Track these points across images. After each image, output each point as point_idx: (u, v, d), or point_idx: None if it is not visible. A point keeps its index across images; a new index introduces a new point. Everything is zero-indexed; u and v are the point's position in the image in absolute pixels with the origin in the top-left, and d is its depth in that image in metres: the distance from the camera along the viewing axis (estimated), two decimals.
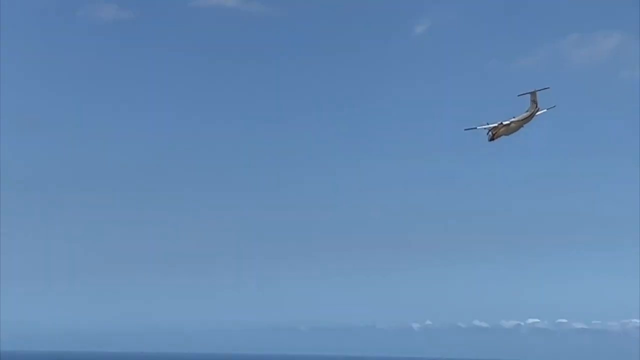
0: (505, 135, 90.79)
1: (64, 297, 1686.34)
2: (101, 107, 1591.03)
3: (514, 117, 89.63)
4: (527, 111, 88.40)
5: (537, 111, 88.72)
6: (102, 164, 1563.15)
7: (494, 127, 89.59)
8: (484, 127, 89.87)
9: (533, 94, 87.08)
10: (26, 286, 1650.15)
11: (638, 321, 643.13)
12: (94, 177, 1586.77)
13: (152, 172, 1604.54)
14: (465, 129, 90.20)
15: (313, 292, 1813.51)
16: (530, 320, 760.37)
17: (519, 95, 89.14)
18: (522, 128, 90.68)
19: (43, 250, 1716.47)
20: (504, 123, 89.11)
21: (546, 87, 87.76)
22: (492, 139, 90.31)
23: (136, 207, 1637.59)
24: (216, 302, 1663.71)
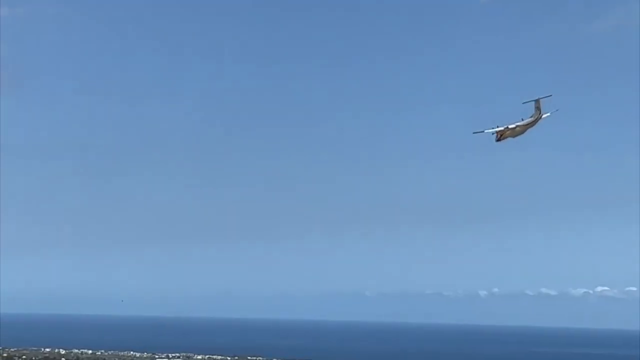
0: (512, 137, 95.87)
1: (137, 264, 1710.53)
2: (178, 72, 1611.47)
3: (519, 121, 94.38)
4: (531, 117, 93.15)
5: (541, 117, 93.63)
6: (180, 132, 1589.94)
7: (501, 130, 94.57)
8: (491, 130, 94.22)
9: (537, 101, 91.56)
10: (108, 253, 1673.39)
11: None
12: (171, 146, 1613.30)
13: (227, 142, 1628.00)
14: (474, 132, 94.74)
15: (380, 259, 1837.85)
16: (600, 288, 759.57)
17: (523, 103, 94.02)
18: (527, 131, 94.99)
19: (121, 217, 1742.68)
20: (510, 127, 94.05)
21: (548, 94, 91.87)
22: (498, 139, 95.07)
23: (211, 176, 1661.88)
24: (284, 269, 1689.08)
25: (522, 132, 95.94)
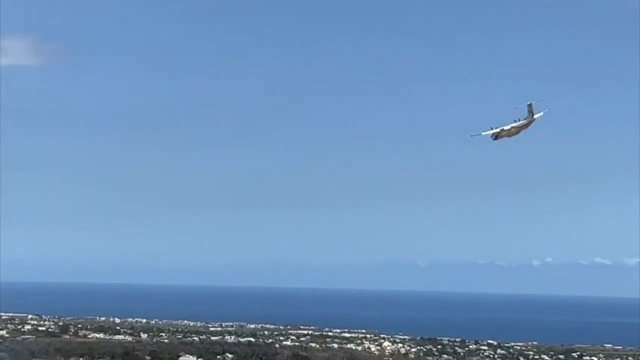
0: (507, 137, 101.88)
1: (188, 233, 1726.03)
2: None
3: (514, 123, 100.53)
4: (525, 119, 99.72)
5: (534, 120, 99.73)
6: (235, 103, 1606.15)
7: (496, 132, 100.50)
8: (487, 132, 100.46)
9: (529, 105, 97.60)
10: (159, 221, 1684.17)
11: None
12: (225, 116, 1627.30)
13: (283, 111, 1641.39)
14: (472, 135, 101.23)
15: (432, 229, 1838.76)
16: None
17: (516, 108, 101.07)
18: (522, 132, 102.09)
19: (173, 185, 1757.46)
20: (505, 128, 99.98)
21: (540, 98, 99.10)
22: (495, 138, 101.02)
23: (264, 144, 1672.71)
24: (336, 239, 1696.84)
25: (517, 133, 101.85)
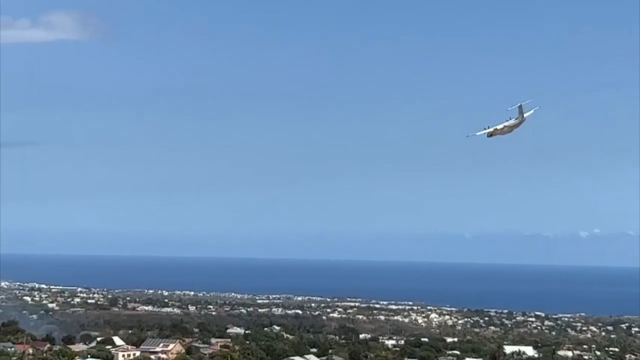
0: (501, 134, 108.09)
1: (232, 206, 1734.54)
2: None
3: (506, 122, 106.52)
4: (516, 119, 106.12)
5: (524, 119, 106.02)
6: (278, 76, 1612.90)
7: (490, 131, 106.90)
8: (482, 132, 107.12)
9: (520, 107, 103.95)
10: (204, 195, 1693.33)
11: None
12: (266, 89, 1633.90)
13: (324, 85, 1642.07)
14: (467, 136, 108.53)
15: (478, 201, 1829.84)
16: None
17: (508, 109, 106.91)
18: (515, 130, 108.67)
19: (219, 159, 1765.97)
20: (498, 128, 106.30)
21: (529, 99, 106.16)
22: (490, 136, 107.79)
23: (304, 118, 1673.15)
24: (382, 210, 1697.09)
25: (509, 132, 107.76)
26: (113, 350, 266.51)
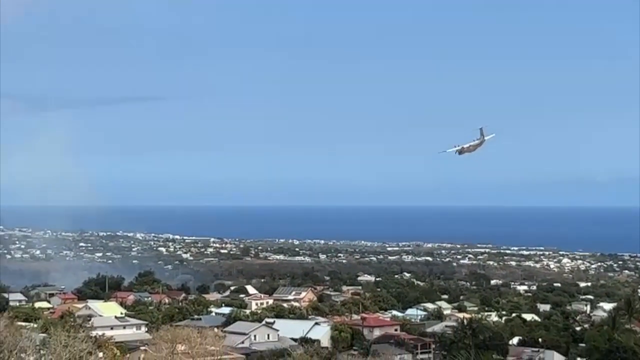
0: (468, 152, 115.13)
1: (363, 156, 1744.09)
2: None
3: (471, 142, 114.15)
4: (477, 139, 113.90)
5: (485, 140, 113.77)
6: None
7: (459, 149, 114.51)
8: (452, 149, 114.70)
9: (481, 129, 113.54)
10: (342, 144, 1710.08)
11: None
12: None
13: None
14: (439, 152, 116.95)
15: (612, 143, 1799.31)
16: None
17: (473, 130, 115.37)
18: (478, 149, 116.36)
19: (347, 109, 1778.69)
20: (465, 146, 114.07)
21: (487, 124, 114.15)
22: (460, 154, 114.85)
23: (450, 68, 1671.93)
24: (513, 156, 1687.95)
25: (474, 150, 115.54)
26: (246, 299, 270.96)
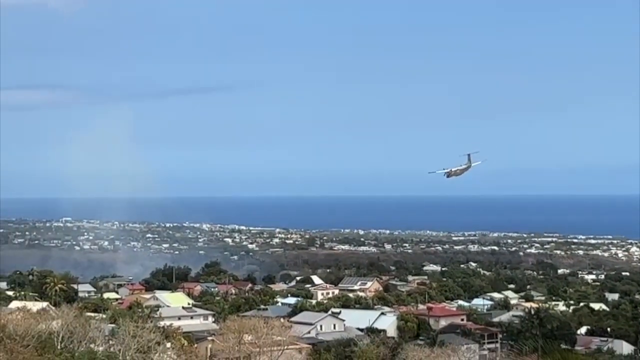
0: (455, 176, 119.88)
1: (426, 144, 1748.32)
2: None
3: (459, 166, 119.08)
4: (465, 165, 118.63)
5: (471, 166, 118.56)
6: None
7: (447, 171, 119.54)
8: (441, 171, 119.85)
9: (468, 155, 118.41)
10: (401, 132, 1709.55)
11: None
12: None
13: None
14: (429, 172, 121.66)
15: None
16: None
17: (461, 155, 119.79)
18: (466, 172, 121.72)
19: (412, 97, 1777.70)
20: (452, 170, 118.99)
21: (477, 151, 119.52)
22: (448, 176, 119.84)
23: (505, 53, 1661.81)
24: (577, 143, 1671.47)
25: (461, 174, 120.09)
26: (312, 289, 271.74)
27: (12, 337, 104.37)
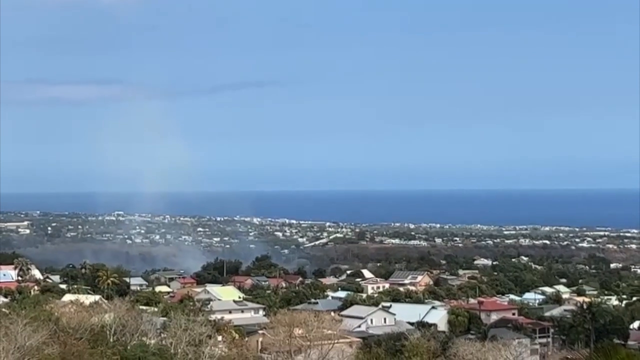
0: None
1: (471, 139, 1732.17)
2: None
3: None
4: None
5: None
6: None
7: None
8: None
9: None
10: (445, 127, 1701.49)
11: None
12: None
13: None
14: None
15: None
16: None
17: None
18: None
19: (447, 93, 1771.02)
20: None
21: None
22: None
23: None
24: (627, 136, 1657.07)
25: None
26: (362, 283, 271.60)
27: (65, 330, 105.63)
